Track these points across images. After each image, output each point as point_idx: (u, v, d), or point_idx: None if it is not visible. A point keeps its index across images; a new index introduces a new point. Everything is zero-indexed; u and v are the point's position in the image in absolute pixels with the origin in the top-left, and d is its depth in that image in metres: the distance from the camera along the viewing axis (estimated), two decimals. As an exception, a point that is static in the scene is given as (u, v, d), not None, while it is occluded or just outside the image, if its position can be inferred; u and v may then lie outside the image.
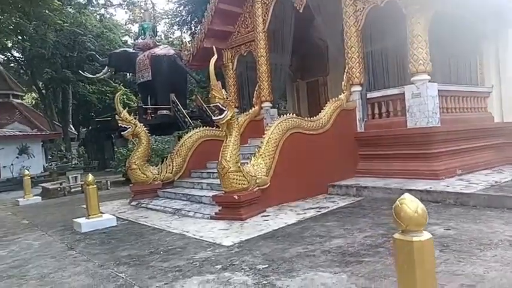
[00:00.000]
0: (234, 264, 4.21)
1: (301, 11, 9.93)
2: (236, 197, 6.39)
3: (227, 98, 6.48)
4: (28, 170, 13.82)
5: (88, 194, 6.95)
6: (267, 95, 11.21)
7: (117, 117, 9.25)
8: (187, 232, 5.91)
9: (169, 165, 9.46)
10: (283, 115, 8.08)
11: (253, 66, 11.80)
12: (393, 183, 7.46)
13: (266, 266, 4.07)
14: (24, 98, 32.68)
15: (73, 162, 21.71)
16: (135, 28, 36.76)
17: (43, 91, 29.58)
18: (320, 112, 8.54)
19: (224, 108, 6.35)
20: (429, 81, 7.71)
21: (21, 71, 31.22)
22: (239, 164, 6.52)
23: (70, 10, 26.26)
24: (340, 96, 8.79)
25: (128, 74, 30.22)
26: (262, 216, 6.50)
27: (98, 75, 24.51)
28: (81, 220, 6.89)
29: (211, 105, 6.68)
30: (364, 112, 8.96)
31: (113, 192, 12.36)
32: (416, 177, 7.53)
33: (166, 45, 24.27)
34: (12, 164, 18.59)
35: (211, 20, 11.79)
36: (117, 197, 10.89)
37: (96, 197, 7.00)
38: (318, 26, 10.91)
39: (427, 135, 7.69)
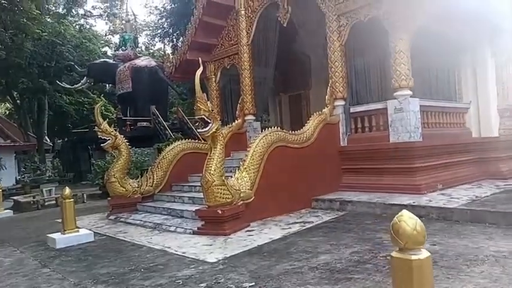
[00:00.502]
0: (219, 282, 4.05)
1: (285, 25, 10.00)
2: (220, 212, 6.23)
3: (212, 111, 6.38)
4: (-1, 182, 13.29)
5: (64, 208, 6.64)
6: (250, 108, 11.18)
7: (96, 128, 8.99)
8: (169, 248, 5.70)
9: (150, 178, 9.25)
10: (266, 128, 8.01)
11: (236, 79, 11.79)
12: (376, 197, 7.43)
13: (253, 284, 3.93)
14: (-3, 107, 31.72)
15: (47, 175, 21.02)
16: (115, 39, 36.50)
17: (18, 101, 28.74)
18: (303, 126, 8.53)
19: (209, 121, 6.24)
20: (411, 97, 7.83)
21: (-5, 80, 30.28)
22: (223, 178, 6.38)
23: (49, 20, 25.73)
24: (323, 110, 8.80)
25: (107, 85, 29.73)
26: (246, 231, 6.35)
27: (76, 85, 24.07)
28: (56, 235, 6.58)
29: (197, 117, 6.55)
30: (347, 126, 9.01)
31: (90, 206, 11.93)
32: (399, 191, 7.54)
33: (147, 57, 24.14)
34: (-18, 176, 17.89)
35: (195, 32, 11.80)
36: (94, 210, 10.51)
37: (72, 211, 6.69)
38: (301, 41, 11.03)
39: (409, 149, 7.76)
